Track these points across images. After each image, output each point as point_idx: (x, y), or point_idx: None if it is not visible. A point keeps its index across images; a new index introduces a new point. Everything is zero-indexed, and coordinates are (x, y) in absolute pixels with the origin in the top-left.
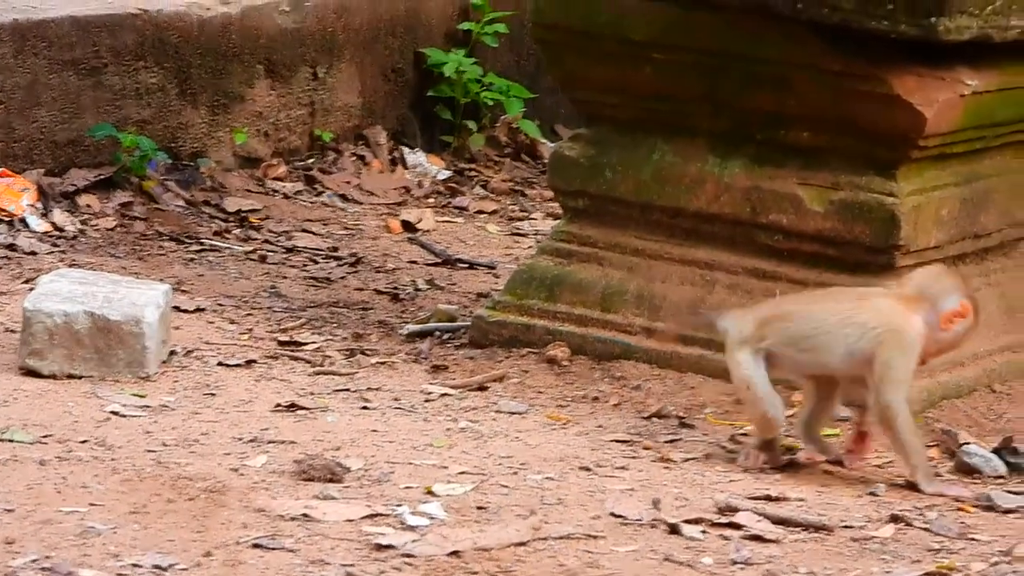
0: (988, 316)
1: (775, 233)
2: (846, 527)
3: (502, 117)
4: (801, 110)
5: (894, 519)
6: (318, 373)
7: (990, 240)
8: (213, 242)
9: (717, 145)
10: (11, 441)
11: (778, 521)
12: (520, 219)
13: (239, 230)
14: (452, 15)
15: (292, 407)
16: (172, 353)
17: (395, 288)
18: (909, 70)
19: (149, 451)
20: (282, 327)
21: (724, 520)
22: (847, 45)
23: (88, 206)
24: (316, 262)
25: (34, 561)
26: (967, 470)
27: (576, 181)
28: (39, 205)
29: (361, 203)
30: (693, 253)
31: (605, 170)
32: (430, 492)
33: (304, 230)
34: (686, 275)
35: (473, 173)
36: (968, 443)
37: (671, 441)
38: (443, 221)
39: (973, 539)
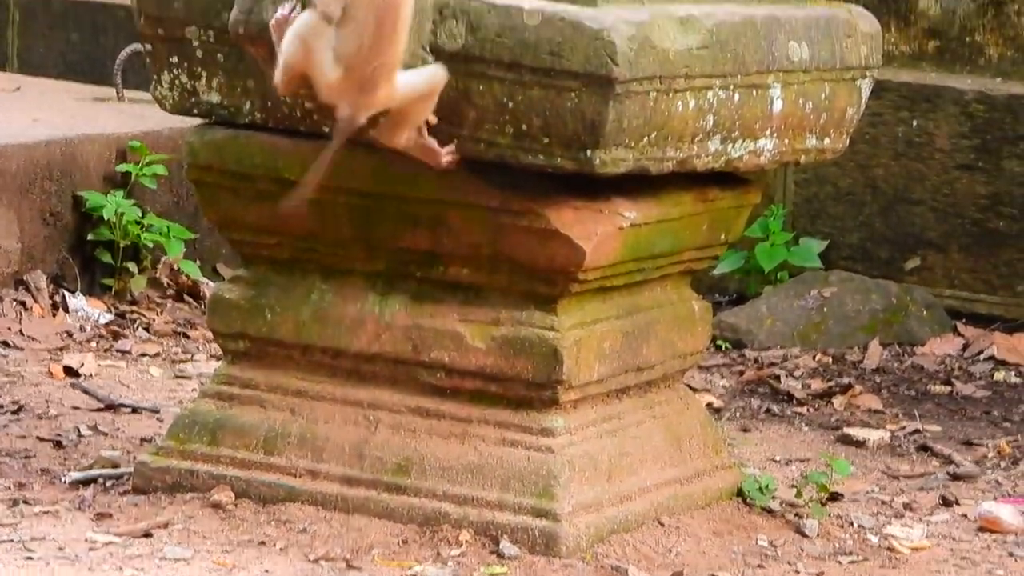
0: (654, 449)
1: (437, 371)
2: None
3: (163, 258)
4: (458, 247)
5: None
6: None
7: (653, 372)
8: None
9: (376, 284)
10: None
11: None
12: (183, 361)
13: None
14: (110, 157)
15: None
16: None
17: (58, 435)
18: (567, 203)
19: None
20: None
21: None
22: (503, 180)
23: None
24: None
25: None
26: None
27: (236, 323)
28: None
29: (23, 349)
30: (355, 394)
31: (264, 311)
32: None
33: None
34: (349, 416)
35: (135, 316)
36: None
37: None
38: (106, 365)
39: None
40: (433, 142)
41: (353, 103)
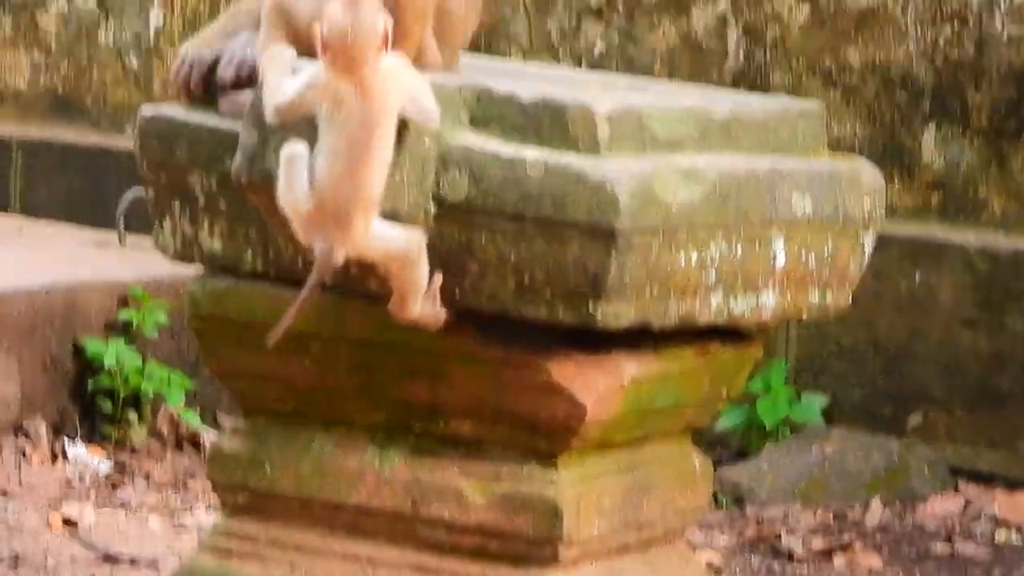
0: None
1: (437, 527)
2: None
3: (163, 407)
4: (459, 400)
5: None
6: None
7: (654, 529)
8: None
9: (376, 436)
10: None
11: None
12: (183, 512)
13: None
14: (111, 305)
15: None
16: None
17: None
18: (568, 357)
19: None
20: None
21: None
22: (505, 333)
23: None
24: None
25: None
26: None
27: (236, 475)
28: None
29: (22, 499)
30: (355, 548)
31: (264, 464)
32: None
33: None
34: (348, 571)
35: (135, 465)
36: None
37: None
38: (105, 516)
39: None
40: (443, 312)
41: (329, 237)
